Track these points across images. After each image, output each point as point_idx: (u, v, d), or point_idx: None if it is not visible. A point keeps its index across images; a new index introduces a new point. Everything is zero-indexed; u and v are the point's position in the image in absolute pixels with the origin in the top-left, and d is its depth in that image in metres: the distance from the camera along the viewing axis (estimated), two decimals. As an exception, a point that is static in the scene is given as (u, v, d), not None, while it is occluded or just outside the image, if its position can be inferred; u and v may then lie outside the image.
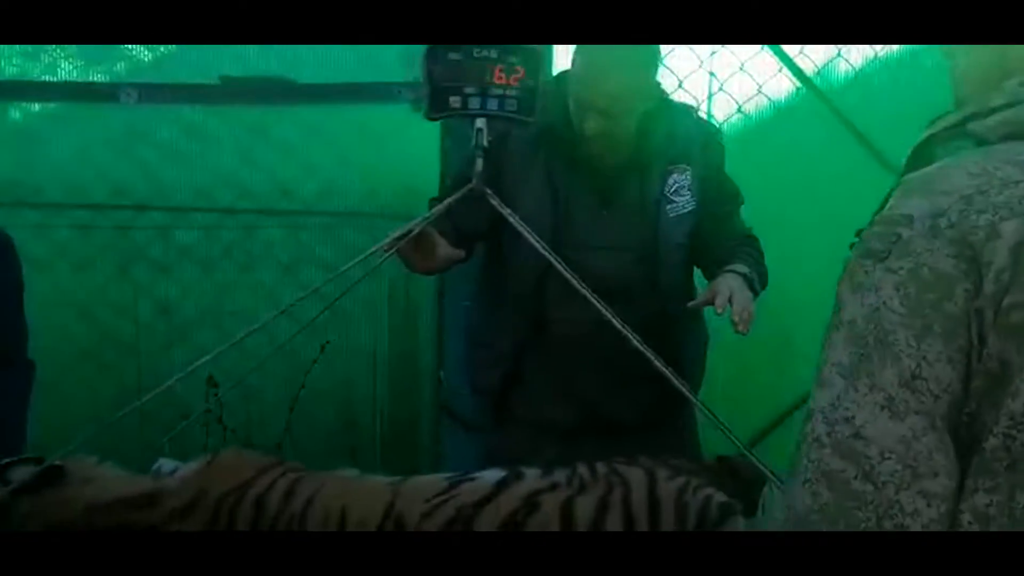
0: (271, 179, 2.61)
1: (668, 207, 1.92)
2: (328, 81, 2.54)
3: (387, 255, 1.71)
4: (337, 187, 2.61)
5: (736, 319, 1.75)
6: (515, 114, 1.66)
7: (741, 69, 2.66)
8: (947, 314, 0.76)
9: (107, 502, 1.51)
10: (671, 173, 1.92)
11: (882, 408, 0.76)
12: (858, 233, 0.85)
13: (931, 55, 2.69)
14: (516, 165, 1.93)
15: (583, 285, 1.60)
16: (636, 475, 1.60)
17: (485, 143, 1.65)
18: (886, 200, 0.85)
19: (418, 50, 2.55)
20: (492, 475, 1.61)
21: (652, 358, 1.53)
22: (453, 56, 1.65)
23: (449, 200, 1.66)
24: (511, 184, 1.91)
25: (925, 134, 0.90)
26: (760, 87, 2.68)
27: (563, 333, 1.95)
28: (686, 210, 1.94)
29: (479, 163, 1.64)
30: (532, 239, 1.63)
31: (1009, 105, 0.84)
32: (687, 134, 1.95)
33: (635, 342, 1.54)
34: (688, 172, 1.93)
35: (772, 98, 2.68)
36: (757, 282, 1.90)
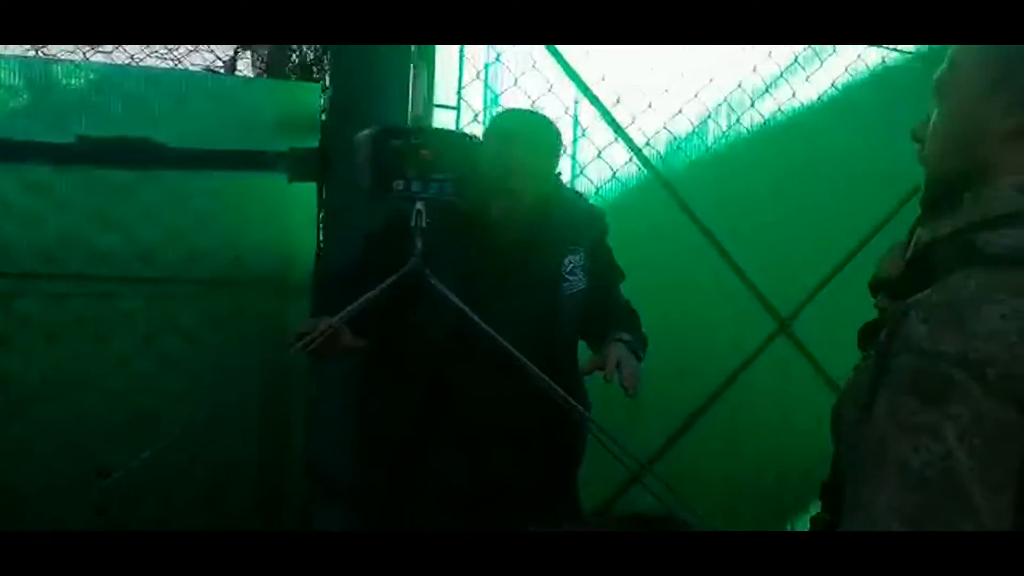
0: (130, 244, 2.49)
1: (564, 285, 2.08)
2: (194, 146, 2.50)
3: (303, 344, 1.74)
4: (201, 254, 2.54)
5: (626, 384, 1.95)
6: (452, 197, 1.78)
7: (599, 156, 2.92)
8: (1012, 468, 0.78)
9: None
10: (567, 254, 2.08)
11: None
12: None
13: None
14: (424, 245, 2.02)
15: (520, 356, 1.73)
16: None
17: (424, 224, 1.75)
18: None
19: (292, 123, 2.60)
20: None
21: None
22: (395, 143, 1.75)
23: (391, 279, 1.72)
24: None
25: (927, 236, 0.96)
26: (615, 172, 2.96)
27: (468, 406, 2.04)
28: (578, 288, 2.09)
29: (419, 243, 1.74)
30: (476, 320, 1.74)
31: (1011, 216, 0.88)
32: (580, 217, 2.14)
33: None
34: (581, 253, 2.10)
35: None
36: (641, 349, 2.11)
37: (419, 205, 1.73)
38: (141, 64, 2.99)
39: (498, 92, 2.73)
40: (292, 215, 2.57)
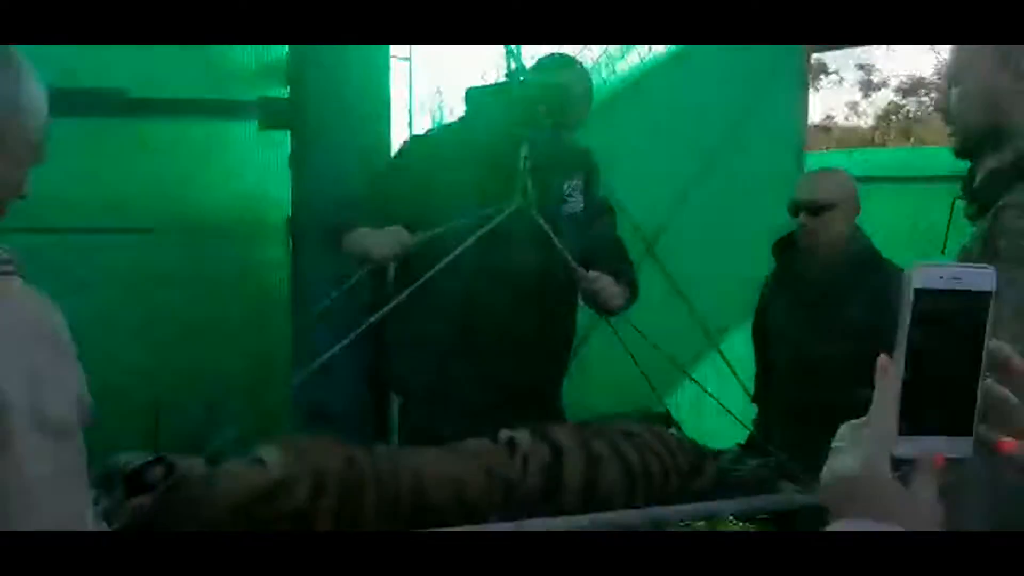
0: (100, 195, 2.49)
1: (563, 207, 2.37)
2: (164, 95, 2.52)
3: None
4: (173, 203, 2.58)
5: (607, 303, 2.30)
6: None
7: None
8: None
9: (245, 499, 1.55)
10: (568, 178, 2.38)
11: None
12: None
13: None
14: (446, 174, 2.24)
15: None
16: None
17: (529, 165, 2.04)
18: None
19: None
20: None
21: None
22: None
23: (496, 220, 2.04)
24: (444, 189, 2.23)
25: (984, 170, 1.41)
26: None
27: (490, 318, 2.30)
28: (577, 209, 2.39)
29: (528, 183, 2.05)
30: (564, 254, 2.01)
31: None
32: (576, 149, 2.44)
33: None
34: (579, 179, 2.40)
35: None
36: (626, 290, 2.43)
37: (525, 148, 2.03)
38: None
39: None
40: (266, 162, 2.66)
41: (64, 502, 1.08)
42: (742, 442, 2.59)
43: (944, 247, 1.75)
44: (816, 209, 2.54)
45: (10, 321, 1.06)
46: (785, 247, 2.74)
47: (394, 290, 2.31)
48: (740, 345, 3.03)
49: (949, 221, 1.60)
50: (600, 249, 2.44)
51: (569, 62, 2.43)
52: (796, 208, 2.60)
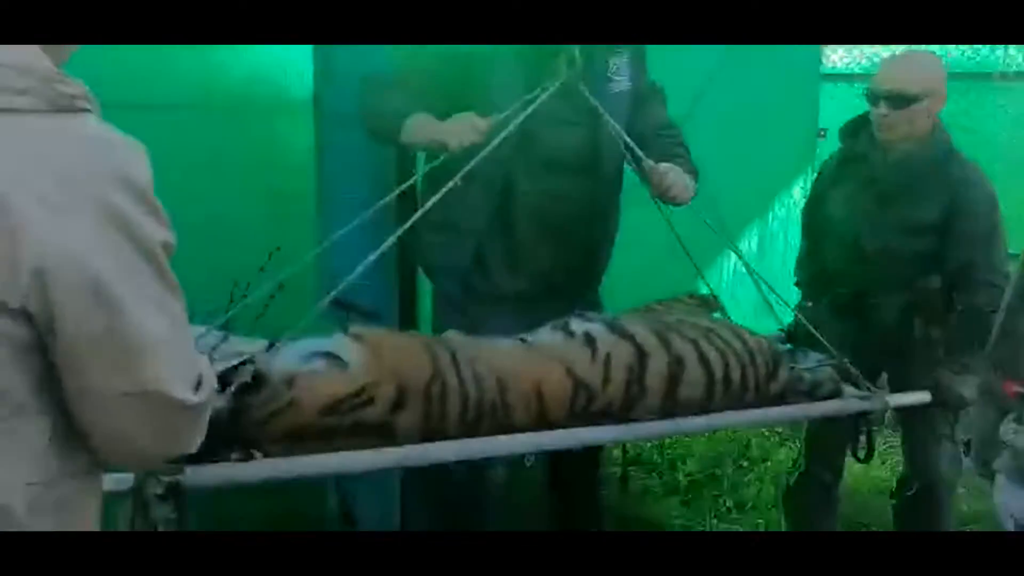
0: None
1: (610, 84, 2.20)
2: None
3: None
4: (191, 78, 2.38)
5: (677, 196, 2.14)
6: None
7: None
8: None
9: (331, 403, 1.47)
10: (611, 56, 2.19)
11: None
12: None
13: None
14: (496, 49, 2.05)
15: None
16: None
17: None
18: None
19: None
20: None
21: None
22: None
23: (542, 97, 1.81)
24: (482, 67, 2.07)
25: None
26: None
27: (526, 202, 2.17)
28: (623, 88, 2.22)
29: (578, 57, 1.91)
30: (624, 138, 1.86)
31: None
32: None
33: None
34: (624, 55, 2.21)
35: None
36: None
37: None
38: None
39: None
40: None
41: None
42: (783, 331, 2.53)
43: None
44: (902, 100, 2.34)
45: (88, 169, 0.94)
46: (856, 132, 2.55)
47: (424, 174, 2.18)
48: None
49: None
50: (653, 135, 2.28)
51: None
52: (876, 96, 2.40)
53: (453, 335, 1.83)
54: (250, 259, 2.48)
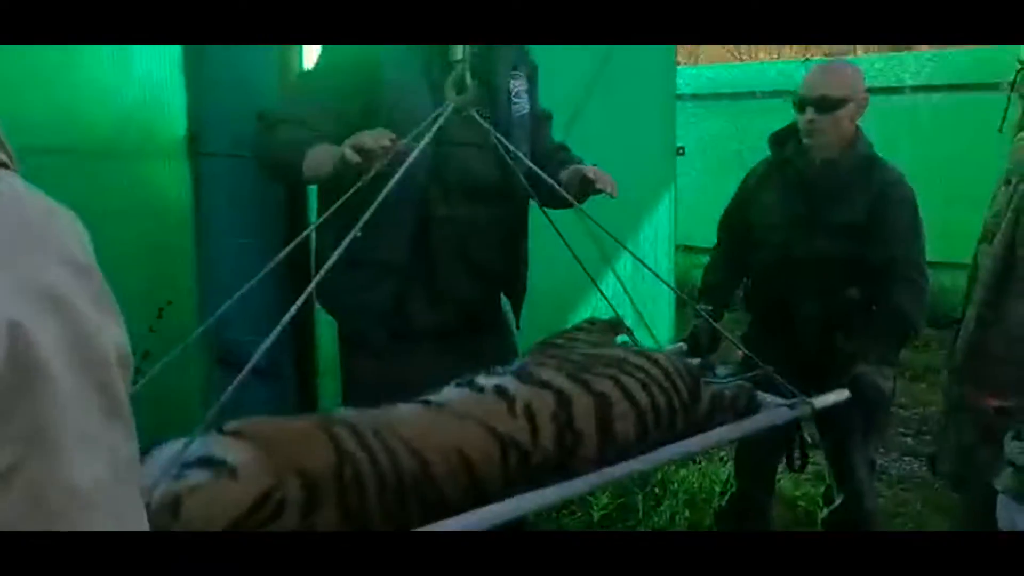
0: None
1: (513, 107, 2.12)
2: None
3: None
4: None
5: (609, 189, 2.03)
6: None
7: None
8: None
9: (233, 522, 1.24)
10: (513, 78, 2.13)
11: None
12: None
13: None
14: (396, 75, 1.97)
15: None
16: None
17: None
18: None
19: None
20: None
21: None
22: None
23: (439, 121, 1.76)
24: (395, 91, 1.97)
25: None
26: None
27: (444, 233, 2.05)
28: (525, 111, 2.15)
29: (469, 81, 1.82)
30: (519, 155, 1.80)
31: None
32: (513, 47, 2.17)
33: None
34: (523, 78, 2.16)
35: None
36: None
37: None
38: None
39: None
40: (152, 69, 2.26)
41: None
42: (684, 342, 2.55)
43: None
44: (827, 105, 2.43)
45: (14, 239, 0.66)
46: (783, 140, 2.62)
47: (321, 207, 2.03)
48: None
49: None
50: (553, 152, 2.24)
51: None
52: (803, 103, 2.48)
53: (344, 411, 1.62)
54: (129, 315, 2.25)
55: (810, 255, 2.46)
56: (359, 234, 1.71)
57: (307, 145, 1.89)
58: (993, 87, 4.71)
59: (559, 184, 2.04)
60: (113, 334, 0.73)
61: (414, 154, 1.72)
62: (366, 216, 1.71)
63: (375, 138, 1.74)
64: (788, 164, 2.59)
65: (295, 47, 2.28)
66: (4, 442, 0.67)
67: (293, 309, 1.54)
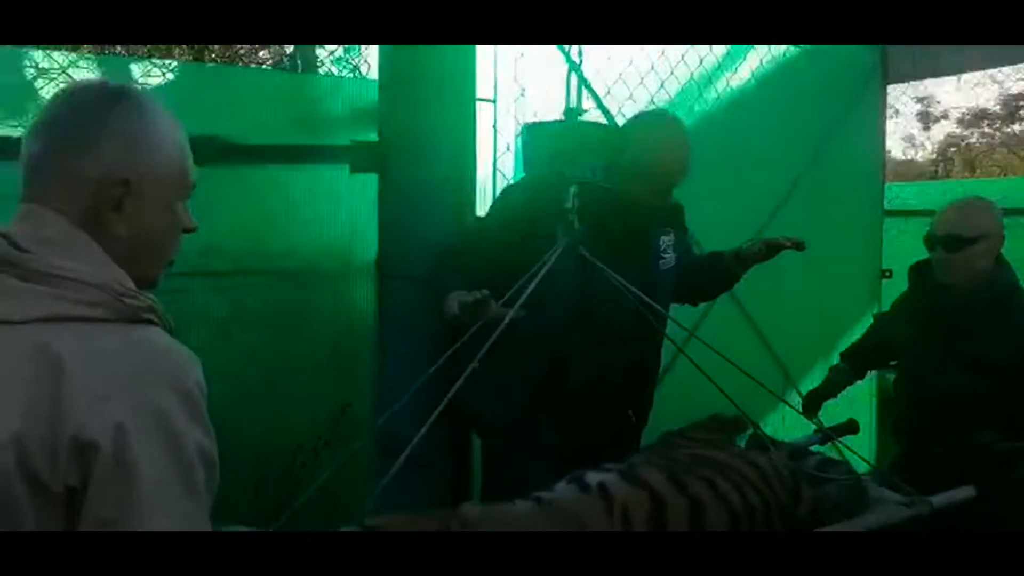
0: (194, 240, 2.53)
1: (660, 262, 2.36)
2: (258, 142, 2.57)
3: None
4: (267, 246, 2.61)
5: (791, 244, 2.27)
6: (601, 182, 2.02)
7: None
8: None
9: None
10: (660, 236, 2.37)
11: None
12: None
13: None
14: (545, 224, 2.21)
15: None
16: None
17: (576, 204, 1.98)
18: None
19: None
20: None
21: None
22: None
23: (550, 261, 1.96)
24: (541, 239, 2.20)
25: None
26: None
27: (582, 374, 2.28)
28: (671, 265, 2.38)
29: (576, 221, 1.96)
30: (626, 288, 1.97)
31: None
32: (672, 205, 2.42)
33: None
34: (672, 235, 2.39)
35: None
36: None
37: (574, 188, 1.95)
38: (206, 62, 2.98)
39: (523, 87, 2.95)
40: (355, 205, 2.68)
41: None
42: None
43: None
44: (957, 245, 2.42)
45: (137, 370, 1.03)
46: (921, 273, 2.63)
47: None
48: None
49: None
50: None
51: (660, 118, 2.37)
52: (932, 242, 2.49)
53: (468, 507, 1.82)
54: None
55: (944, 390, 2.43)
56: (477, 365, 1.96)
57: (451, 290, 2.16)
58: None
59: (739, 252, 2.27)
60: (199, 439, 1.06)
61: (528, 291, 1.93)
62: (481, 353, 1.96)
63: (470, 295, 1.97)
64: (924, 298, 2.60)
65: (469, 187, 2.62)
66: (105, 504, 0.99)
67: (441, 406, 1.88)
